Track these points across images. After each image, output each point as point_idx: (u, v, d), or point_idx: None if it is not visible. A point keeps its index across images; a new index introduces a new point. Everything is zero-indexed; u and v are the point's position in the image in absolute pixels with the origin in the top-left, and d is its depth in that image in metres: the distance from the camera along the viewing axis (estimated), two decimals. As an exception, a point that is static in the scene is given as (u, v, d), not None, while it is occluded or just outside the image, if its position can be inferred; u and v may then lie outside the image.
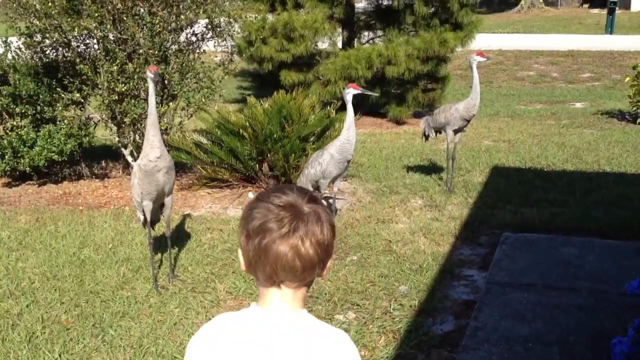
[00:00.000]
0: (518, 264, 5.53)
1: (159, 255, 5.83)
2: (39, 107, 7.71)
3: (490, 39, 23.18)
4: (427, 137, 8.11)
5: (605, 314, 4.63)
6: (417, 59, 11.11)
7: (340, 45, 12.19)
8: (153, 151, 4.86)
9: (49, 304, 4.97)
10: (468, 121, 7.46)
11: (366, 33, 12.61)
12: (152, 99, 4.92)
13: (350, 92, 5.78)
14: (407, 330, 4.61)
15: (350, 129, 5.77)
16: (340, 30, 12.05)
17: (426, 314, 4.84)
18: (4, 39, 7.77)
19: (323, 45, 11.83)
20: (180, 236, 6.28)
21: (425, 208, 7.13)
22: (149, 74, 4.91)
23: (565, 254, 5.71)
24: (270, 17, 11.25)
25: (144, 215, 5.21)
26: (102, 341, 4.47)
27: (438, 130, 7.82)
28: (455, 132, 7.57)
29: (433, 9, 11.54)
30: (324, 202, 1.70)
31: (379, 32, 12.36)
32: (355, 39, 12.47)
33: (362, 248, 6.03)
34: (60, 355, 4.30)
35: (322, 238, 1.60)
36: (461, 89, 15.93)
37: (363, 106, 12.08)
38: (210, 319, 4.68)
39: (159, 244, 5.86)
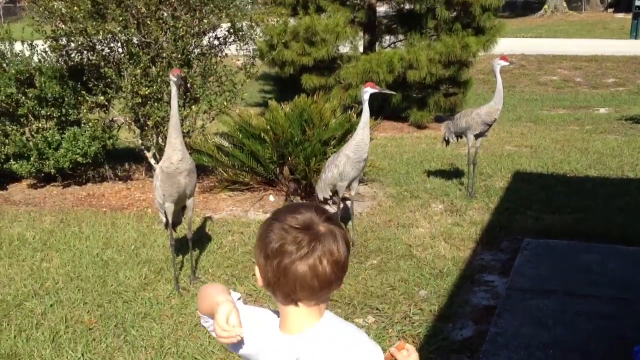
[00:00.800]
0: (539, 270, 5.50)
1: (181, 257, 5.88)
2: (64, 110, 7.84)
3: (513, 44, 23.04)
4: (447, 142, 8.09)
5: (626, 321, 4.60)
6: (438, 63, 11.09)
7: (361, 49, 12.20)
8: (175, 153, 4.92)
9: (72, 304, 5.04)
10: (490, 126, 7.44)
11: (388, 37, 12.62)
12: (174, 102, 4.97)
13: (367, 92, 5.77)
14: (427, 335, 4.61)
15: (365, 129, 5.77)
16: (361, 34, 12.06)
17: (446, 319, 4.83)
18: (30, 42, 7.89)
19: (344, 49, 11.85)
20: (201, 238, 6.33)
21: (446, 213, 7.11)
22: (172, 77, 4.96)
23: (586, 260, 5.66)
24: (292, 21, 11.30)
25: (166, 217, 5.26)
26: (124, 341, 4.52)
27: (459, 135, 7.80)
28: (477, 136, 7.54)
29: (455, 13, 11.51)
30: (337, 216, 1.81)
31: (401, 36, 12.36)
32: (377, 43, 12.48)
33: (382, 252, 6.03)
34: (82, 355, 4.36)
35: (339, 256, 1.64)
36: (483, 94, 15.85)
37: (384, 110, 12.08)
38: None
39: (181, 246, 5.91)
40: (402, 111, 12.15)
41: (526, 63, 19.96)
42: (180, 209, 5.42)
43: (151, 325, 4.71)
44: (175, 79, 4.97)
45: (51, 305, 5.02)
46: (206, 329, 1.88)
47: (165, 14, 7.15)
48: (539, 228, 6.55)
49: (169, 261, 5.64)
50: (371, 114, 9.56)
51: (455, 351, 4.40)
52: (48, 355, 4.35)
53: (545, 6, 41.28)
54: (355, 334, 1.74)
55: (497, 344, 4.34)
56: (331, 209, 6.77)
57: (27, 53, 7.99)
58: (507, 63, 7.22)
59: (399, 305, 5.02)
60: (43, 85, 7.68)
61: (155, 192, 5.23)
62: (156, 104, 7.20)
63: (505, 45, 21.54)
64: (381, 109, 12.00)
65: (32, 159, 7.72)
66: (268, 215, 6.18)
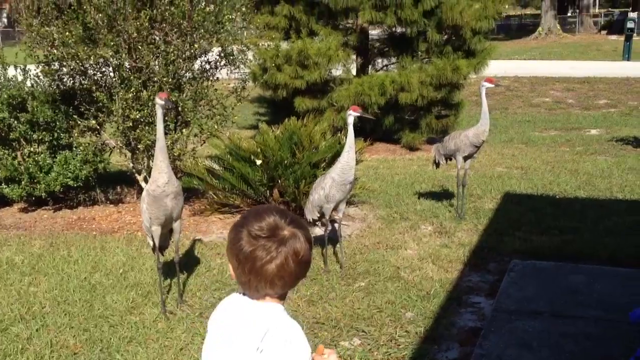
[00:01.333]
0: (526, 291, 5.52)
1: (168, 280, 5.89)
2: (55, 134, 7.89)
3: (506, 66, 23.23)
4: (437, 164, 8.14)
5: (613, 342, 4.60)
6: (430, 86, 11.18)
7: (354, 72, 12.30)
8: (161, 176, 4.95)
9: (58, 328, 5.04)
10: (478, 147, 7.49)
11: (380, 60, 12.73)
12: (160, 126, 5.01)
13: (351, 115, 5.89)
14: (412, 358, 4.61)
15: (350, 151, 5.83)
16: (354, 57, 12.16)
17: (432, 341, 4.83)
18: (22, 67, 7.96)
19: (337, 72, 11.94)
20: (190, 261, 6.35)
21: (435, 234, 7.13)
22: (159, 101, 5.01)
23: (574, 281, 5.68)
24: (285, 45, 11.40)
25: (153, 240, 5.28)
26: (108, 365, 4.51)
27: (448, 157, 7.85)
28: (465, 158, 7.59)
29: (446, 36, 11.63)
30: (304, 222, 1.95)
31: (393, 59, 12.47)
32: (370, 66, 12.59)
33: (370, 274, 6.04)
34: (67, 379, 4.35)
35: (303, 255, 1.88)
36: (476, 116, 15.78)
37: (377, 132, 12.16)
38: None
39: (169, 269, 5.92)
40: (395, 133, 12.21)
41: (519, 85, 20.12)
42: (167, 231, 5.44)
43: (136, 350, 4.70)
44: (163, 102, 5.01)
45: (37, 330, 5.01)
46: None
47: (157, 39, 7.22)
48: (527, 249, 6.57)
49: (157, 284, 5.64)
50: (363, 136, 9.71)
51: (440, 373, 4.41)
52: (32, 380, 4.35)
53: (540, 28, 41.70)
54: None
55: (482, 366, 4.34)
56: (320, 230, 6.80)
57: (20, 78, 8.06)
58: (492, 85, 7.29)
59: (385, 328, 5.03)
60: (35, 109, 7.74)
61: (142, 216, 5.25)
62: (147, 127, 7.24)
63: (499, 67, 21.77)
64: (373, 131, 12.08)
65: (23, 182, 7.76)
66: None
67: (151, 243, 5.41)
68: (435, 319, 5.19)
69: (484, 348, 4.59)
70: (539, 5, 46.83)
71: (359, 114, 5.88)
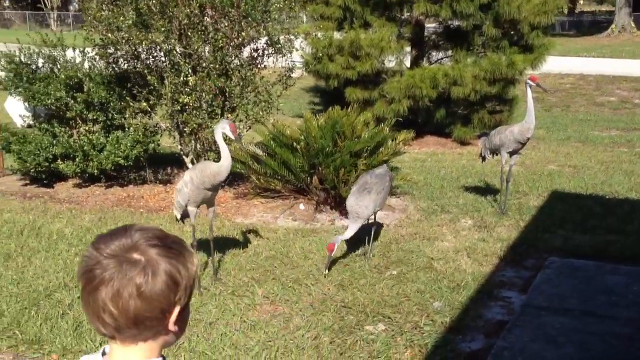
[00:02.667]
0: (559, 288, 5.45)
1: (205, 258, 6.07)
2: (109, 114, 8.20)
3: (572, 63, 22.66)
4: (484, 158, 8.07)
5: (640, 343, 4.52)
6: (483, 80, 11.04)
7: (408, 64, 12.26)
8: (220, 176, 5.24)
9: (97, 297, 5.26)
10: (523, 144, 7.39)
11: (435, 53, 12.64)
12: (224, 149, 5.25)
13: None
14: (435, 346, 4.63)
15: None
16: (408, 49, 12.12)
17: (457, 332, 4.84)
18: (81, 49, 8.31)
19: (390, 63, 11.93)
20: (228, 242, 6.51)
21: (474, 228, 7.09)
22: (229, 133, 5.14)
23: (610, 281, 5.57)
24: (337, 35, 11.46)
25: (182, 215, 5.64)
26: (139, 334, 4.70)
27: (494, 151, 7.77)
28: (511, 154, 7.50)
29: (503, 30, 11.44)
30: (182, 248, 1.50)
31: (448, 53, 12.36)
32: (424, 58, 12.52)
33: (402, 263, 6.07)
34: (100, 344, 4.55)
35: (146, 290, 1.41)
36: (535, 113, 15.60)
37: (428, 125, 12.11)
38: (245, 321, 4.86)
39: (207, 248, 6.10)
40: (446, 127, 12.13)
41: (584, 83, 19.57)
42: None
43: (167, 321, 4.88)
44: (233, 138, 5.18)
45: (78, 297, 5.25)
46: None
47: (207, 26, 7.40)
48: (568, 247, 6.47)
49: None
50: (415, 129, 9.73)
51: (460, 363, 4.42)
52: (69, 343, 4.58)
53: (613, 26, 40.32)
54: None
55: (502, 358, 4.34)
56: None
57: (79, 59, 8.40)
58: (533, 84, 7.15)
59: (411, 316, 5.06)
60: (91, 90, 8.07)
61: (178, 195, 5.45)
62: (194, 111, 7.45)
63: (564, 64, 21.28)
64: (425, 124, 12.04)
65: (77, 159, 8.10)
66: (297, 222, 6.36)
67: (178, 215, 5.71)
68: (463, 310, 5.19)
69: (507, 341, 4.57)
70: (615, 2, 45.23)
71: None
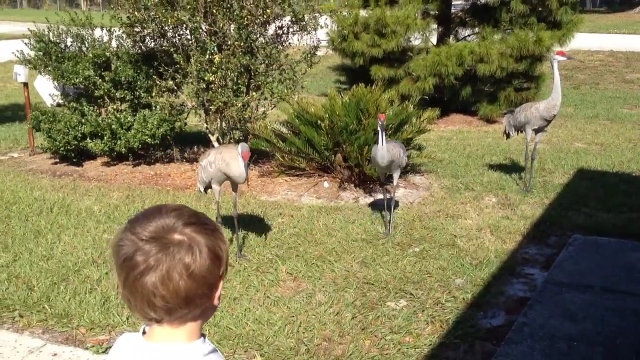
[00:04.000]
0: (581, 265, 5.45)
1: (230, 234, 6.17)
2: (137, 93, 8.31)
3: (602, 39, 22.27)
4: (508, 135, 8.03)
5: (660, 320, 4.52)
6: (510, 57, 10.94)
7: (434, 41, 12.18)
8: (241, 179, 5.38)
9: (125, 272, 5.40)
10: (549, 122, 7.34)
11: (461, 30, 12.52)
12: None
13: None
14: (456, 322, 4.68)
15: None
16: (435, 26, 12.03)
17: (478, 308, 4.88)
18: (108, 29, 8.41)
19: (416, 41, 11.86)
20: (253, 219, 6.61)
21: (498, 206, 7.09)
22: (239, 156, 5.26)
23: (632, 258, 5.56)
24: (363, 13, 11.42)
25: (205, 187, 5.88)
26: (166, 308, 4.83)
27: (519, 129, 7.73)
28: (536, 131, 7.46)
29: (530, 6, 11.29)
30: (213, 226, 1.52)
31: (475, 29, 12.24)
32: (451, 36, 12.41)
33: (425, 241, 6.11)
34: (127, 319, 4.69)
35: (195, 269, 1.44)
36: (564, 90, 15.29)
37: (454, 103, 12.05)
38: (268, 297, 4.95)
39: (232, 225, 6.20)
40: (472, 105, 12.06)
41: (614, 60, 19.23)
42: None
43: (193, 295, 4.99)
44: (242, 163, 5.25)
45: (106, 273, 5.40)
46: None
47: (232, 3, 7.44)
48: (591, 225, 6.45)
49: (218, 238, 5.92)
50: (441, 106, 9.69)
51: (481, 338, 4.46)
52: (96, 317, 4.71)
53: (644, 1, 39.38)
54: None
55: (522, 334, 4.38)
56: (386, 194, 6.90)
57: (106, 38, 8.51)
58: (564, 58, 7.08)
59: (432, 292, 5.11)
60: (118, 69, 8.18)
61: (202, 172, 5.56)
62: (220, 89, 7.52)
63: (594, 40, 20.95)
64: (450, 102, 11.97)
65: (105, 138, 8.24)
66: (321, 200, 6.42)
67: (202, 188, 5.91)
68: (485, 286, 5.22)
69: (527, 317, 4.61)
70: (647, -23, 44.12)
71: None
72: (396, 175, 6.25)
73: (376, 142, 6.02)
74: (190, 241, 1.44)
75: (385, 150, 5.91)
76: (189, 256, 1.43)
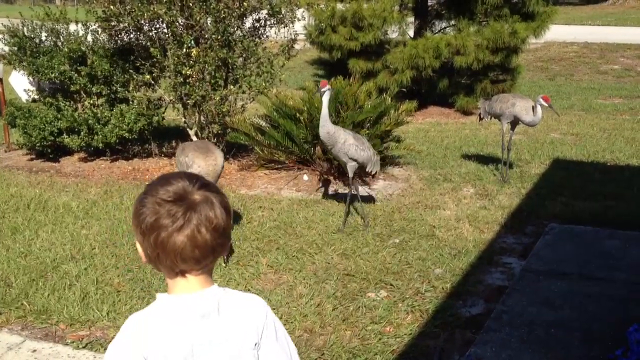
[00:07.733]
0: (558, 253, 5.54)
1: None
2: (113, 87, 8.25)
3: (577, 31, 22.46)
4: (481, 118, 8.13)
5: (635, 304, 4.61)
6: (486, 49, 11.03)
7: (411, 34, 12.23)
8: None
9: (104, 268, 5.38)
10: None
11: (438, 22, 12.59)
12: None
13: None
14: (435, 311, 4.73)
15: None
16: (411, 19, 12.09)
17: (457, 297, 4.94)
18: (84, 23, 8.33)
19: (394, 34, 11.90)
20: (233, 213, 6.59)
21: (476, 197, 7.16)
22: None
23: (608, 246, 5.66)
24: (340, 6, 11.43)
25: None
26: (146, 303, 4.80)
27: (492, 117, 7.82)
28: (511, 124, 7.55)
29: (505, -2, 11.39)
30: (215, 186, 1.72)
31: (451, 22, 12.32)
32: (427, 28, 12.48)
33: (405, 232, 6.16)
34: (108, 314, 4.67)
35: (217, 223, 1.63)
36: (539, 82, 15.64)
37: (431, 95, 12.12)
38: (249, 290, 4.96)
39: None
40: (449, 97, 12.14)
41: (588, 51, 19.44)
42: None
43: (173, 290, 4.99)
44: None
45: (85, 269, 5.37)
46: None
47: (209, -4, 7.40)
48: (568, 214, 6.54)
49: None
50: (418, 99, 9.72)
51: (460, 327, 4.51)
52: (76, 312, 4.69)
53: (618, -7, 39.85)
54: (248, 295, 1.82)
55: (501, 321, 4.44)
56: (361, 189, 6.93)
57: (82, 32, 8.43)
58: (546, 104, 7.11)
59: (412, 282, 5.15)
60: (94, 63, 8.11)
61: (178, 165, 5.55)
62: (197, 83, 7.49)
63: (569, 32, 21.13)
64: (428, 94, 12.04)
65: (82, 133, 8.17)
66: (300, 193, 6.42)
67: None
68: (464, 276, 5.28)
69: (506, 305, 4.67)
70: (620, -31, 44.61)
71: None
72: (349, 169, 6.13)
73: None
74: (207, 199, 1.63)
75: (325, 120, 5.89)
76: (211, 212, 1.62)
